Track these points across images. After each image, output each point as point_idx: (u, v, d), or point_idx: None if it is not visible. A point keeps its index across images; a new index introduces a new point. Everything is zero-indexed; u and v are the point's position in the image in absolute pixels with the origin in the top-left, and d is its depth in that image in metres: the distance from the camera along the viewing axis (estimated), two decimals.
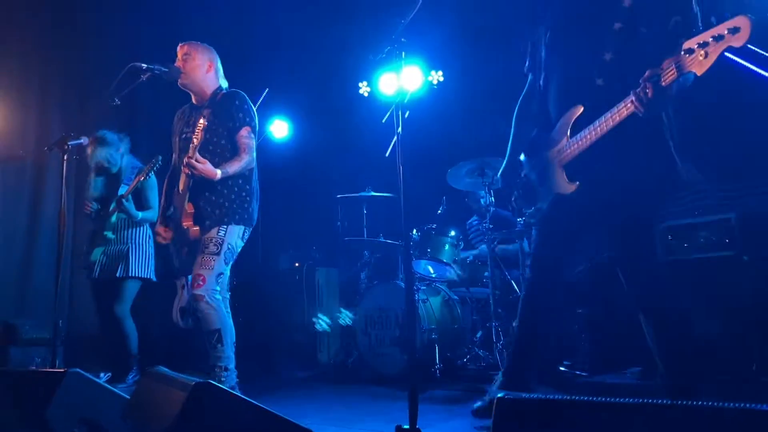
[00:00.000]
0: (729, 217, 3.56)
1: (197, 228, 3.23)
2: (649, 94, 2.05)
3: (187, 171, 3.16)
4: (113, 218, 4.25)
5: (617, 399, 1.23)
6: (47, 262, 5.06)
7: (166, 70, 3.32)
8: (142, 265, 4.34)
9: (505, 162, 2.83)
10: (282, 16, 6.05)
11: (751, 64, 3.75)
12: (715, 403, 1.12)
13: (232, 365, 3.21)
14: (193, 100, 3.49)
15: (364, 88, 6.53)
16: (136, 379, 4.22)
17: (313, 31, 6.19)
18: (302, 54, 6.40)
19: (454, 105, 5.73)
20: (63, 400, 2.05)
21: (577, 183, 2.42)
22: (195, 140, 3.14)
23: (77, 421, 2.02)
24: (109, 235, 4.26)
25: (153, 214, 4.33)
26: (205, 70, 3.42)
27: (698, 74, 1.97)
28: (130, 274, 4.25)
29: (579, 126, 2.40)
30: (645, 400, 1.20)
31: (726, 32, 1.89)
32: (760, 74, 3.56)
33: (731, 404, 1.07)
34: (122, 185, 4.33)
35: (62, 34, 5.25)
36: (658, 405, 1.18)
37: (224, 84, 3.51)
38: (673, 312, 2.42)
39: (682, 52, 1.98)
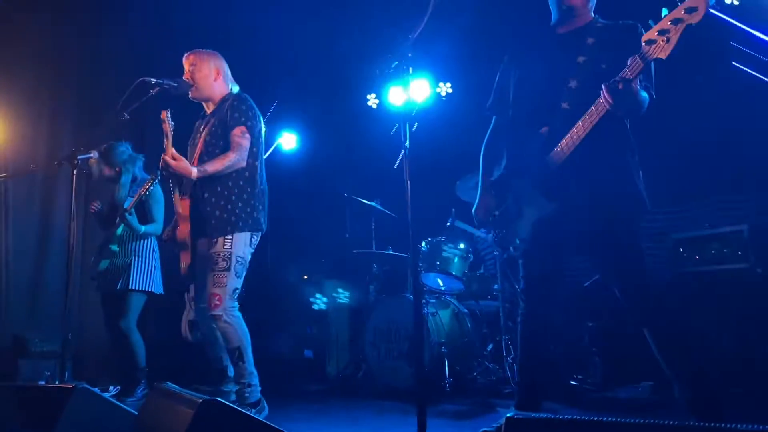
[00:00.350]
0: (741, 229, 3.53)
1: (188, 232, 3.19)
2: (620, 86, 2.19)
3: (161, 165, 3.08)
4: (119, 230, 4.24)
5: (626, 419, 1.21)
6: (57, 275, 5.08)
7: (175, 84, 3.31)
8: (145, 278, 4.28)
9: (477, 200, 2.87)
10: (290, 28, 6.09)
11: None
12: (728, 425, 1.09)
13: (255, 380, 3.19)
14: (206, 109, 3.48)
15: (372, 100, 6.55)
16: (144, 392, 4.20)
17: (321, 44, 6.22)
18: (310, 66, 6.43)
19: (463, 116, 5.71)
20: (71, 417, 2.04)
21: (557, 199, 2.46)
22: (199, 141, 3.13)
23: None
24: (114, 248, 4.26)
25: (157, 227, 4.32)
26: (213, 79, 3.38)
27: (663, 58, 2.11)
28: (130, 287, 4.19)
29: (549, 148, 2.49)
30: (655, 421, 1.18)
31: (683, 13, 2.06)
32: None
33: (747, 426, 1.04)
34: (127, 198, 4.32)
35: (74, 48, 5.31)
36: (669, 426, 1.16)
37: (235, 88, 3.45)
38: (674, 326, 2.41)
39: (644, 44, 2.13)
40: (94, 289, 4.39)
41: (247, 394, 3.12)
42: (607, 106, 2.26)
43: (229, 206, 3.18)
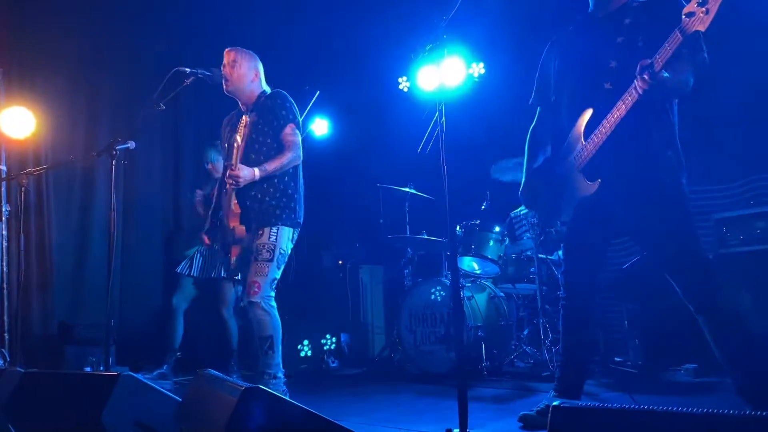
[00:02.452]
0: None
1: (243, 227, 3.27)
2: (647, 77, 2.18)
3: (231, 182, 3.20)
4: None
5: (677, 408, 1.17)
6: (99, 264, 5.18)
7: (210, 74, 3.37)
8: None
9: (522, 183, 2.87)
10: (320, 13, 6.05)
11: None
12: None
13: (281, 373, 3.23)
14: (240, 107, 3.52)
15: (403, 84, 6.49)
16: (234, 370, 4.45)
17: (351, 28, 6.18)
18: (341, 51, 6.40)
19: (495, 98, 5.64)
20: (117, 404, 2.08)
21: (599, 180, 2.44)
22: (238, 139, 3.17)
23: (132, 424, 2.05)
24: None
25: None
26: (251, 79, 3.44)
27: (702, 30, 2.07)
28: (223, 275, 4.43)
29: (591, 129, 2.48)
30: (710, 411, 1.13)
31: None
32: None
33: None
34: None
35: (110, 41, 5.37)
36: (723, 416, 1.12)
37: (267, 89, 3.53)
38: (728, 307, 2.35)
39: (684, 17, 2.09)
40: (179, 270, 4.58)
41: (271, 386, 3.15)
42: (638, 95, 2.25)
43: (274, 201, 3.29)
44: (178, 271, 4.58)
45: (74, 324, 4.83)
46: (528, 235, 4.62)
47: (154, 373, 4.42)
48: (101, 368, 4.61)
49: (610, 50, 2.49)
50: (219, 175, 4.41)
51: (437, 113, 2.34)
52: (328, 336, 5.35)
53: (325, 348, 5.30)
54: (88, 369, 4.57)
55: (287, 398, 1.82)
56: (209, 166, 4.67)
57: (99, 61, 5.33)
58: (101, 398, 2.13)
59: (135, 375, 2.28)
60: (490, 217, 4.68)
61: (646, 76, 2.18)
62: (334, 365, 5.22)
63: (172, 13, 5.52)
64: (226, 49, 3.47)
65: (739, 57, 3.97)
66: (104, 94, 5.39)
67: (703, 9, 2.04)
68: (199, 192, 4.66)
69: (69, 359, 4.68)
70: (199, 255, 4.53)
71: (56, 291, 4.94)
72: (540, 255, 4.32)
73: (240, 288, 4.11)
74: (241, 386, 1.74)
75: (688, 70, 2.34)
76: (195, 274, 4.51)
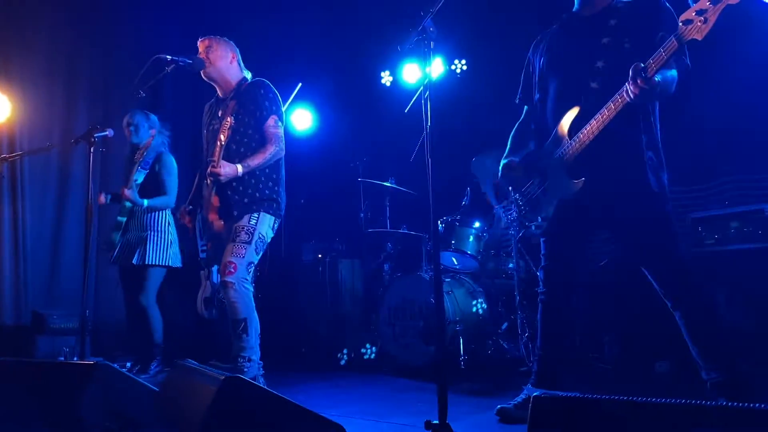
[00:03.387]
0: (762, 209, 3.49)
1: (221, 222, 3.24)
2: (640, 82, 2.18)
3: (211, 179, 3.16)
4: (128, 203, 4.21)
5: (655, 399, 1.20)
6: (74, 252, 5.12)
7: (191, 61, 3.34)
8: (161, 252, 4.29)
9: (500, 174, 2.88)
10: (303, 5, 6.02)
11: None
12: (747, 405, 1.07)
13: (256, 356, 3.21)
14: (219, 93, 3.50)
15: (386, 78, 6.49)
16: (158, 369, 4.25)
17: (334, 21, 6.15)
18: (324, 44, 6.37)
19: (477, 94, 5.66)
20: (94, 393, 2.06)
21: (582, 179, 2.47)
22: (222, 137, 3.12)
23: (108, 413, 2.03)
24: (122, 219, 4.24)
25: (168, 200, 4.32)
26: (228, 61, 3.45)
27: (699, 39, 2.08)
28: (147, 262, 4.20)
29: (576, 128, 2.50)
30: (683, 401, 1.16)
31: None
32: None
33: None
34: (138, 170, 4.27)
35: (88, 27, 5.29)
36: (694, 406, 1.15)
37: (248, 75, 3.51)
38: (705, 304, 2.40)
39: (681, 24, 2.11)
40: (110, 264, 4.39)
41: (245, 369, 3.13)
42: (629, 99, 2.27)
43: (258, 193, 3.27)
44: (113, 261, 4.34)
45: (48, 314, 4.76)
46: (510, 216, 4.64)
47: (128, 365, 4.36)
48: (75, 359, 4.56)
49: (596, 50, 2.51)
50: (133, 140, 4.29)
51: (423, 112, 2.33)
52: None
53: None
54: (61, 359, 4.51)
55: (266, 388, 1.82)
56: (129, 131, 4.35)
57: (77, 46, 5.25)
58: (78, 388, 2.11)
59: (112, 365, 2.26)
60: (471, 212, 4.70)
61: (639, 81, 2.19)
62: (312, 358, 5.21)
63: (152, 2, 5.45)
64: (200, 39, 3.47)
65: (716, 61, 4.04)
66: (82, 80, 5.31)
67: (702, 18, 2.06)
68: (101, 197, 4.40)
69: (42, 349, 4.61)
70: (122, 240, 4.29)
71: (30, 280, 4.86)
72: (518, 249, 4.35)
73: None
74: (221, 376, 1.74)
75: (673, 74, 2.37)
76: (117, 261, 4.30)
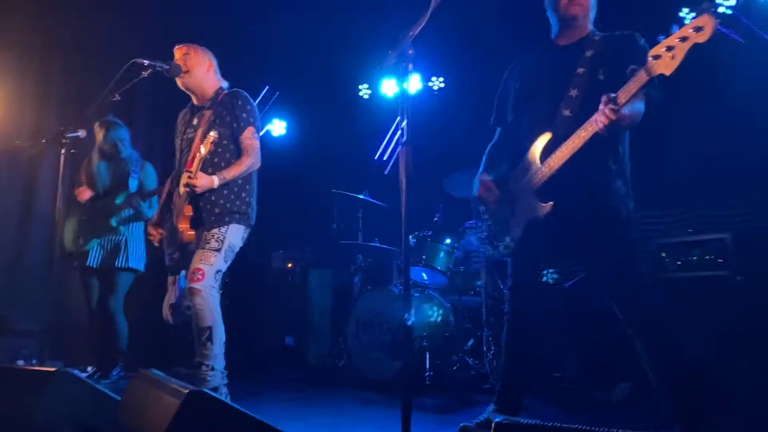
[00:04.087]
0: (724, 237, 3.58)
1: (193, 232, 3.21)
2: (620, 102, 2.25)
3: (188, 190, 3.12)
4: (124, 212, 4.22)
5: (606, 429, 1.23)
6: (38, 253, 5.02)
7: (168, 67, 3.30)
8: (139, 256, 4.32)
9: (476, 190, 2.91)
10: (283, 15, 6.02)
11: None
12: None
13: (219, 366, 3.16)
14: (194, 101, 3.47)
15: (364, 91, 6.53)
16: (120, 374, 4.18)
17: (314, 32, 6.17)
18: (303, 54, 6.38)
19: (453, 112, 5.73)
20: (52, 401, 2.03)
21: (551, 203, 2.52)
22: (202, 150, 3.08)
23: (68, 422, 2.00)
24: (114, 222, 4.22)
25: (154, 210, 4.29)
26: (205, 69, 3.41)
27: (667, 74, 2.17)
28: (129, 265, 4.21)
29: (548, 153, 2.56)
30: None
31: (691, 31, 2.12)
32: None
33: None
34: (131, 177, 4.27)
35: (62, 26, 5.21)
36: None
37: (224, 84, 3.49)
38: (664, 333, 2.46)
39: (650, 58, 2.19)
40: (74, 267, 4.32)
41: (208, 378, 3.08)
42: (597, 128, 2.33)
43: (228, 204, 3.24)
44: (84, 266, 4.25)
45: (8, 315, 4.66)
46: (475, 236, 4.70)
47: (89, 370, 4.28)
48: (33, 361, 4.46)
49: (571, 79, 2.56)
50: (120, 157, 4.27)
51: (399, 122, 2.35)
52: None
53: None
54: (20, 362, 4.41)
55: (230, 402, 1.81)
56: (113, 148, 4.32)
57: (50, 44, 5.16)
58: (36, 394, 2.07)
59: (73, 371, 2.23)
60: (442, 229, 4.75)
61: (607, 111, 2.25)
62: (277, 368, 5.18)
63: (125, 3, 5.40)
64: (177, 46, 3.45)
65: (685, 94, 4.17)
66: (55, 79, 5.23)
67: (670, 54, 2.14)
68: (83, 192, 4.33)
69: (0, 351, 4.51)
70: (99, 246, 4.25)
71: None
72: (487, 267, 4.41)
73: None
74: (185, 389, 1.72)
75: (640, 106, 2.44)
76: (94, 265, 4.22)
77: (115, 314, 4.22)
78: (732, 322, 3.40)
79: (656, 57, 2.17)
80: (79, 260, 4.26)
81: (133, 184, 4.26)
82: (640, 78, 2.22)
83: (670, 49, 2.14)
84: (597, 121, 2.32)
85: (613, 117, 2.26)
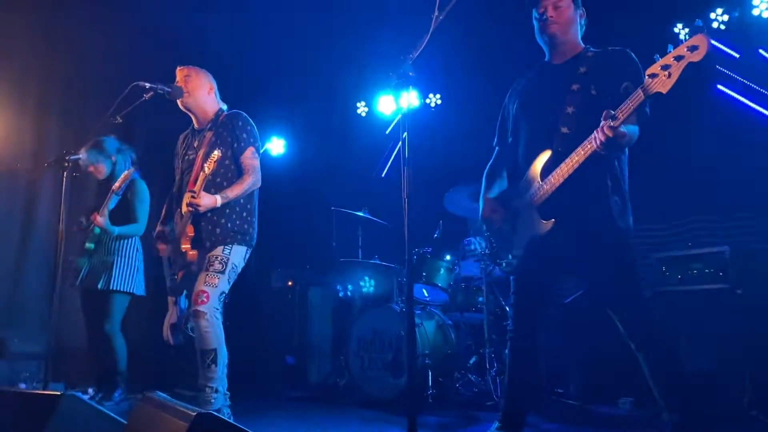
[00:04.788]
0: (723, 251, 3.60)
1: (195, 252, 3.22)
2: (618, 121, 2.28)
3: (191, 209, 3.14)
4: (96, 229, 4.14)
5: None
6: (37, 275, 5.00)
7: (169, 90, 3.34)
8: (127, 278, 4.22)
9: (481, 208, 2.95)
10: (281, 35, 6.08)
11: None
12: None
13: (222, 387, 3.17)
14: (195, 124, 3.51)
15: (361, 108, 6.57)
16: (122, 396, 4.16)
17: (312, 50, 6.22)
18: (300, 73, 6.43)
19: (451, 128, 5.78)
20: (59, 425, 2.03)
21: (553, 220, 2.55)
22: (207, 169, 3.11)
23: None
24: (90, 246, 4.17)
25: (138, 228, 4.27)
26: (206, 92, 3.47)
27: (663, 92, 2.20)
28: (111, 287, 4.13)
29: (548, 170, 2.60)
30: None
31: (686, 51, 2.17)
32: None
33: None
34: (114, 196, 4.24)
35: (62, 48, 5.24)
36: None
37: (224, 107, 3.53)
38: (667, 347, 2.48)
39: (647, 77, 2.22)
40: (70, 288, 4.28)
41: (212, 400, 3.10)
42: (596, 146, 2.36)
43: (230, 224, 3.28)
44: (75, 286, 4.23)
45: (8, 337, 4.64)
46: (474, 260, 4.72)
47: (90, 391, 4.26)
48: (35, 385, 4.44)
49: (566, 96, 2.62)
50: (102, 176, 4.31)
51: (400, 141, 2.39)
52: None
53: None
54: (22, 385, 4.39)
55: (236, 423, 1.81)
56: (91, 169, 4.33)
57: (50, 65, 5.19)
58: (41, 419, 2.07)
59: (78, 395, 2.22)
60: (442, 245, 4.76)
61: (606, 129, 2.29)
62: (278, 387, 5.16)
63: (126, 24, 5.44)
64: (179, 67, 3.49)
65: (676, 103, 4.22)
66: (54, 103, 5.25)
67: (666, 73, 2.18)
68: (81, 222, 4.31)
69: (0, 375, 4.48)
70: (88, 266, 4.22)
71: None
72: (488, 284, 4.42)
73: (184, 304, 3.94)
74: (192, 412, 1.73)
75: (635, 124, 2.48)
76: (77, 283, 4.20)
77: (111, 337, 4.18)
78: (733, 334, 3.41)
79: (653, 76, 2.21)
80: (72, 278, 4.25)
81: (111, 202, 4.19)
82: (637, 96, 2.26)
83: (665, 68, 2.18)
84: (595, 139, 2.36)
85: (610, 134, 2.29)
